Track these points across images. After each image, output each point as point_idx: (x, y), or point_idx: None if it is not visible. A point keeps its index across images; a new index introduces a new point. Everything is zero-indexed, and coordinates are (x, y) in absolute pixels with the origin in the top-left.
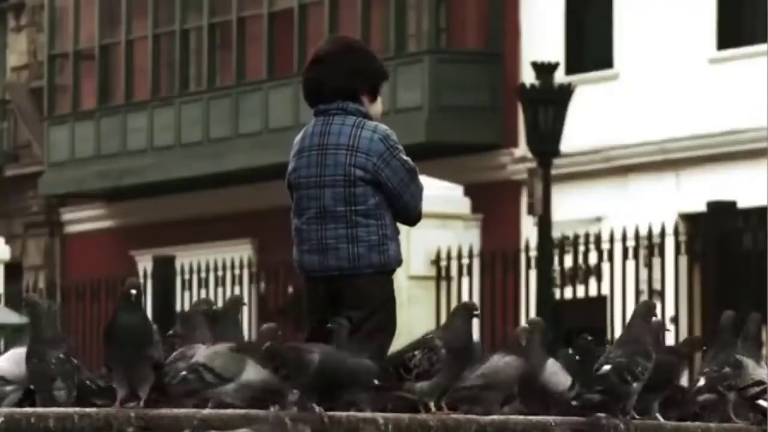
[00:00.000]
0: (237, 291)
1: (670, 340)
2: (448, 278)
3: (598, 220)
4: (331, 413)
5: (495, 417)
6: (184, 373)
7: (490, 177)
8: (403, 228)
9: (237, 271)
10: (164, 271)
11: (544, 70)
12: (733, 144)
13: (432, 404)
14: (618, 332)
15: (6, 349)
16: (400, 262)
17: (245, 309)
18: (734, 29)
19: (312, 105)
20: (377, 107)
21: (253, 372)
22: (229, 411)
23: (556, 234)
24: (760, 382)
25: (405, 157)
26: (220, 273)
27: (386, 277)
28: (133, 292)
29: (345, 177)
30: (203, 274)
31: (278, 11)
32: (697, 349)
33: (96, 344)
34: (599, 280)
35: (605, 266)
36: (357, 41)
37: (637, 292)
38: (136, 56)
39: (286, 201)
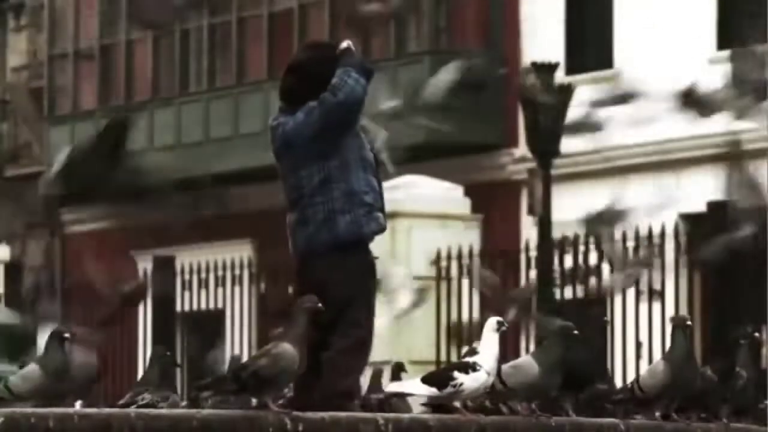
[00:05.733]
0: (237, 291)
1: None
2: (448, 278)
3: None
4: (331, 413)
5: (494, 417)
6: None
7: (490, 177)
8: (403, 228)
9: (237, 271)
10: (164, 271)
11: (544, 70)
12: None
13: None
14: (617, 332)
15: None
16: (358, 234)
17: (244, 309)
18: (734, 29)
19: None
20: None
21: None
22: (229, 411)
23: (556, 234)
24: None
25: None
26: (220, 273)
27: (343, 254)
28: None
29: (295, 160)
30: (203, 274)
31: (278, 11)
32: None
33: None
34: (599, 280)
35: (605, 266)
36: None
37: (637, 292)
38: (136, 56)
39: (286, 201)
